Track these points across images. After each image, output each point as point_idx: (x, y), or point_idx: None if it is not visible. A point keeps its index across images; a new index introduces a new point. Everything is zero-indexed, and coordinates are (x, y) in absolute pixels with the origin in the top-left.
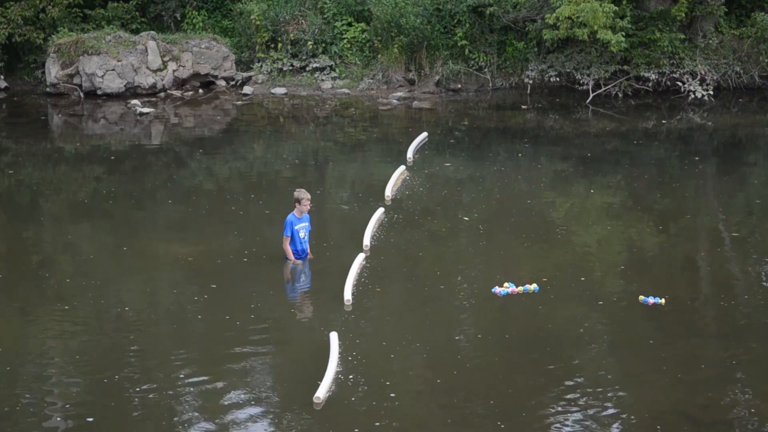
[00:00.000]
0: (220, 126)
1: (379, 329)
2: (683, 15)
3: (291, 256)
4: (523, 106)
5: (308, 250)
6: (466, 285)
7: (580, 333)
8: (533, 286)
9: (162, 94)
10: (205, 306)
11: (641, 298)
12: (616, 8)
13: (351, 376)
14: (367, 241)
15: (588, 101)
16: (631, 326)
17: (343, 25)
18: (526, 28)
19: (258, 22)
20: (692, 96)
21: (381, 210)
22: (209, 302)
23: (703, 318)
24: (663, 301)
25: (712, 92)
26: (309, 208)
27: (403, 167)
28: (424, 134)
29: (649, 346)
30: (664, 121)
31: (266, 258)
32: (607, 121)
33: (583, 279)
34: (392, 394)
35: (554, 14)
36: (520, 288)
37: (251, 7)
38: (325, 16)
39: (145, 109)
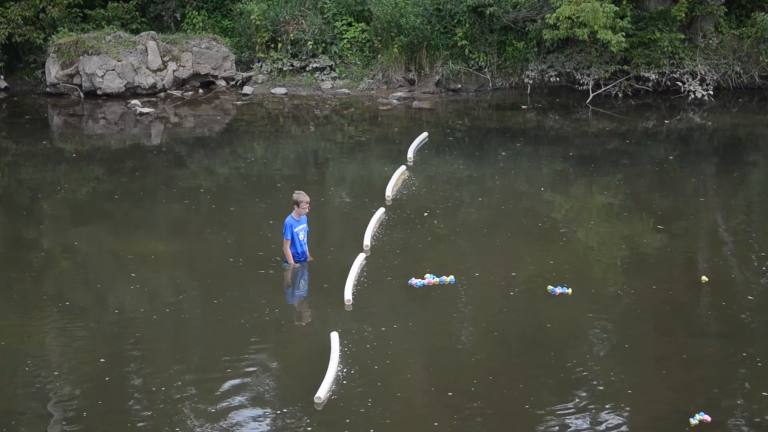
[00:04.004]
0: (220, 126)
1: (380, 329)
2: (683, 15)
3: (291, 260)
4: (523, 106)
5: (308, 252)
6: (466, 284)
7: (581, 332)
8: (449, 278)
9: (162, 94)
10: (205, 307)
11: (549, 288)
12: (617, 8)
13: (352, 376)
14: (367, 241)
15: (588, 101)
16: (631, 325)
17: (343, 25)
18: (526, 28)
19: (258, 22)
20: (692, 96)
21: (381, 210)
22: (209, 303)
23: (704, 318)
24: (570, 291)
25: (712, 92)
26: (308, 210)
27: (403, 167)
28: (425, 134)
29: (649, 346)
30: (666, 121)
31: (266, 259)
32: (607, 121)
33: (583, 278)
34: (393, 394)
35: (554, 14)
36: (437, 279)
37: (251, 7)
38: (325, 16)
39: (145, 109)
